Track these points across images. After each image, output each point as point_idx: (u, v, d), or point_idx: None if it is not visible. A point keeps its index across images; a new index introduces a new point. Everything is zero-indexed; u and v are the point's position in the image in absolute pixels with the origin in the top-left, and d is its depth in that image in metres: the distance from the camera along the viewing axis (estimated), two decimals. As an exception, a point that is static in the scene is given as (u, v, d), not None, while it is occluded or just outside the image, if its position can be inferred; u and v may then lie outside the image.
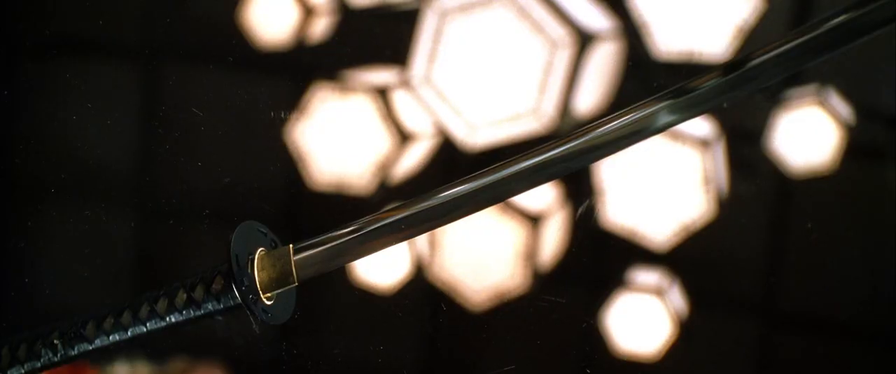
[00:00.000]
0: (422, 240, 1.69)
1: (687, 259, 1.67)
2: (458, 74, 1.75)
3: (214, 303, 0.74)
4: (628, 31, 1.67)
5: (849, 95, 1.63)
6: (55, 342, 0.77)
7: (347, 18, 1.73)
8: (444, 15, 1.70)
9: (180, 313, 0.74)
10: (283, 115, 1.67)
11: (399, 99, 1.79)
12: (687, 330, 1.64)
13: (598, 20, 1.69)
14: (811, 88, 1.65)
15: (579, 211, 1.71)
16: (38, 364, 0.77)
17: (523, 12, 1.67)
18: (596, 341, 1.64)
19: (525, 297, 1.67)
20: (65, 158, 1.51)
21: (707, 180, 1.64)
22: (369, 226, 0.73)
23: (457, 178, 0.73)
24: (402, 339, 1.68)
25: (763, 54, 0.67)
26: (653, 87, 1.65)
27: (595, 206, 1.68)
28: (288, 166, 1.67)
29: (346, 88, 1.77)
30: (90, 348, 0.76)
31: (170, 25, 1.66)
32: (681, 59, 1.65)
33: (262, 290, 0.74)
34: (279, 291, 0.75)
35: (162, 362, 1.60)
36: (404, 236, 0.73)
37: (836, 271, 1.62)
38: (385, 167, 1.72)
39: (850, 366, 1.60)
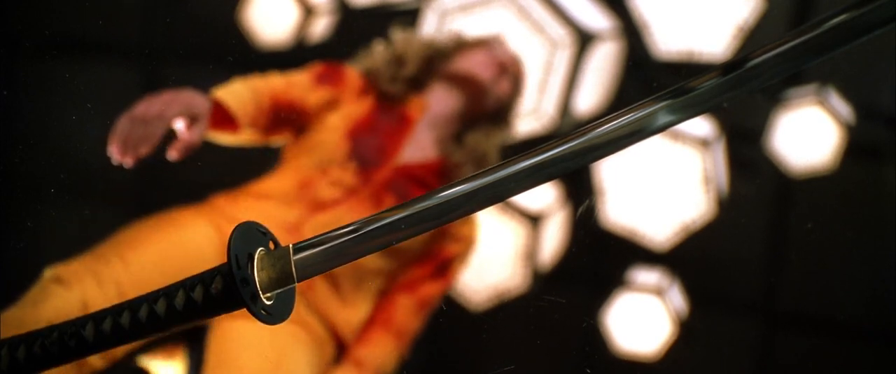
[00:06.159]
0: (422, 240, 1.69)
1: (687, 259, 1.67)
2: (458, 74, 1.75)
3: (214, 303, 0.73)
4: (628, 31, 1.67)
5: (848, 94, 1.64)
6: (55, 342, 0.76)
7: (347, 18, 1.73)
8: (444, 15, 1.70)
9: (180, 313, 0.74)
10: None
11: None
12: (687, 330, 1.64)
13: (598, 20, 1.69)
14: (811, 88, 1.65)
15: (579, 211, 1.71)
16: (38, 364, 0.77)
17: (523, 12, 1.67)
18: (596, 341, 1.64)
19: (525, 297, 1.67)
20: (65, 158, 1.51)
21: (707, 180, 1.64)
22: (369, 226, 0.73)
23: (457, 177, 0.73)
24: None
25: (763, 54, 0.67)
26: (653, 87, 1.65)
27: (595, 206, 1.68)
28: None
29: (346, 88, 1.77)
30: (89, 348, 0.76)
31: (170, 25, 1.66)
32: (681, 59, 1.65)
33: (262, 290, 0.73)
34: (279, 291, 0.74)
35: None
36: (404, 235, 0.73)
37: (836, 271, 1.62)
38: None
39: (850, 366, 1.60)
